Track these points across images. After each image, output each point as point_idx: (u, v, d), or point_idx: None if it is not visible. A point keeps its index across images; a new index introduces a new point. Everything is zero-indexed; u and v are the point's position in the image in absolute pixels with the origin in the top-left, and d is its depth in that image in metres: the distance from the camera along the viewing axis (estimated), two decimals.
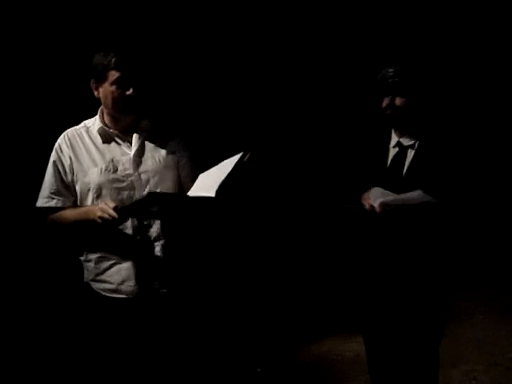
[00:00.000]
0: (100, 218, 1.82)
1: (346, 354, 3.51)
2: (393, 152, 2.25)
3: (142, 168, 1.98)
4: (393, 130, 2.29)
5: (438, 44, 5.18)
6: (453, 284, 2.32)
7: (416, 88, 2.19)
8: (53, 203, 1.99)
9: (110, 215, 1.79)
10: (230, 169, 1.81)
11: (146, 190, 1.95)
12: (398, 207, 2.09)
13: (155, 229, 1.97)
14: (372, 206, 2.11)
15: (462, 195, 2.19)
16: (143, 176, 1.98)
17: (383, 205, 2.09)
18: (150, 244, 1.97)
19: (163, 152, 2.02)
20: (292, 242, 4.69)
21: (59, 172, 1.99)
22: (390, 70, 2.19)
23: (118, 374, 2.02)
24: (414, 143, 2.22)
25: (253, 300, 3.97)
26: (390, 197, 2.11)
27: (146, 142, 2.03)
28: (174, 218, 1.98)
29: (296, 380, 3.23)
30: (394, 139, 2.26)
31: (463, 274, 4.66)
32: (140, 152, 2.00)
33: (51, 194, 1.99)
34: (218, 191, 1.77)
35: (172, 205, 1.87)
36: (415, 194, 2.10)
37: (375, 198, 2.12)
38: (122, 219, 1.87)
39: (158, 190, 1.97)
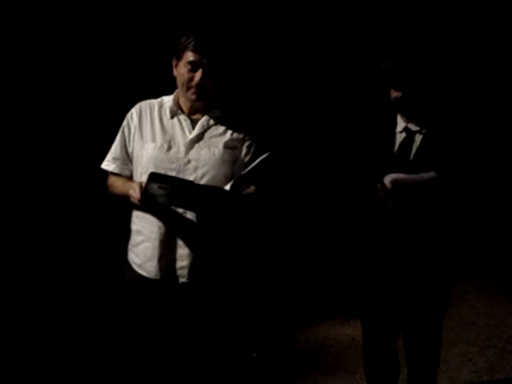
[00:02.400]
0: (131, 195, 1.87)
1: (341, 339, 3.51)
2: (400, 137, 2.25)
3: (193, 155, 1.95)
4: (399, 116, 2.28)
5: (442, 30, 5.20)
6: (455, 264, 2.33)
7: (422, 79, 2.17)
8: (111, 168, 2.05)
9: (136, 195, 1.83)
10: (252, 166, 1.81)
11: (192, 178, 1.91)
12: (409, 184, 2.10)
13: (190, 216, 1.94)
14: (382, 185, 2.11)
15: (470, 179, 2.20)
16: (192, 163, 1.94)
17: (394, 181, 2.10)
18: (182, 229, 1.95)
19: (221, 145, 1.98)
20: (290, 230, 4.71)
21: (124, 139, 2.04)
22: (396, 64, 2.16)
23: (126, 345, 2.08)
24: (422, 129, 2.22)
25: (248, 284, 3.97)
26: (401, 175, 2.12)
27: (209, 131, 1.99)
28: (193, 207, 1.94)
29: (291, 365, 3.24)
30: (401, 124, 2.25)
31: (457, 258, 4.69)
32: (198, 138, 1.97)
33: (113, 158, 2.05)
34: (233, 184, 1.79)
35: (176, 189, 1.81)
36: (427, 174, 2.11)
37: (386, 179, 2.13)
38: (147, 201, 1.85)
39: (202, 182, 1.92)
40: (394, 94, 2.18)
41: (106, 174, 2.10)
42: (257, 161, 1.82)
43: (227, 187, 1.80)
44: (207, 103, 2.00)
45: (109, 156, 2.07)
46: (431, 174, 2.10)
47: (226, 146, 1.99)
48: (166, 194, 1.82)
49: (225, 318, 2.06)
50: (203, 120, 2.00)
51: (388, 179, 2.10)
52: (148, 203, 1.86)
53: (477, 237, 5.15)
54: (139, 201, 1.84)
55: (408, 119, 2.23)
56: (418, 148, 2.20)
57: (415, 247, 2.21)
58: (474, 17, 5.41)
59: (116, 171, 2.05)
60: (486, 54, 5.61)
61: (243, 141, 2.02)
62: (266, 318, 3.73)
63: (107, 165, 2.07)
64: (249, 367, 3.13)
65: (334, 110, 4.95)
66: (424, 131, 2.21)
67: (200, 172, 1.93)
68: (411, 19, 5.19)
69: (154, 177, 1.74)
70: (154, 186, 1.77)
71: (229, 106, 2.07)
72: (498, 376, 3.08)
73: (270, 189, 2.09)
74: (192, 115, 2.01)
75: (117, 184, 2.04)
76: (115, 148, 2.06)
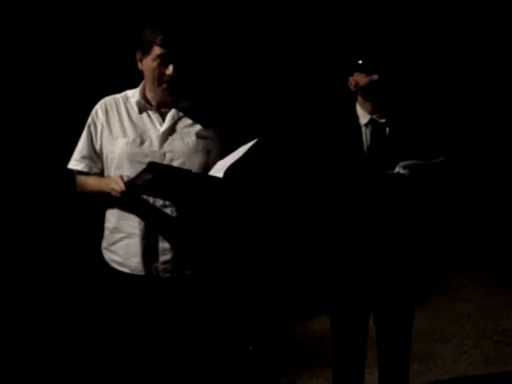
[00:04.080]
0: (112, 189, 1.84)
1: None
2: (366, 130, 2.17)
3: (167, 147, 1.95)
4: (359, 107, 2.20)
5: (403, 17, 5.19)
6: (430, 254, 2.29)
7: (391, 64, 2.13)
8: (80, 167, 2.01)
9: (119, 187, 1.81)
10: (242, 153, 1.80)
11: None
12: (423, 166, 2.04)
13: (169, 210, 1.94)
14: (399, 174, 2.03)
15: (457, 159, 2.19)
16: (168, 155, 1.94)
17: (407, 166, 2.02)
18: (162, 224, 1.95)
19: (194, 136, 1.98)
20: (289, 221, 4.70)
21: (91, 136, 2.00)
22: (365, 46, 2.12)
23: (112, 347, 2.06)
24: (388, 119, 2.16)
25: (245, 276, 3.98)
26: (411, 161, 2.05)
27: (180, 123, 1.99)
28: (184, 197, 1.94)
29: (288, 357, 3.25)
30: (365, 117, 2.17)
31: (454, 251, 4.72)
32: (170, 131, 1.97)
33: (81, 157, 2.01)
34: (226, 173, 1.77)
35: (173, 178, 1.82)
36: (436, 159, 2.05)
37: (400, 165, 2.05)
38: (131, 193, 1.84)
39: None
40: (365, 79, 2.11)
41: (71, 173, 2.06)
42: (246, 148, 1.82)
43: (220, 175, 1.79)
44: (176, 95, 1.99)
45: (76, 155, 2.03)
46: (440, 159, 2.04)
47: (199, 135, 1.99)
48: (152, 184, 1.81)
49: (214, 311, 2.06)
50: (173, 112, 1.99)
51: (403, 165, 2.02)
52: (131, 195, 1.86)
53: (476, 229, 5.17)
54: (122, 193, 1.82)
55: (373, 110, 2.16)
56: (390, 141, 2.14)
57: (394, 237, 2.16)
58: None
59: (85, 170, 2.01)
60: (455, 42, 5.62)
61: (214, 130, 2.03)
62: (262, 310, 3.74)
63: (75, 164, 2.02)
64: (245, 360, 3.14)
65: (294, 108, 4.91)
66: (391, 122, 2.14)
67: (176, 163, 1.93)
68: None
69: (152, 167, 1.73)
70: (147, 177, 1.76)
71: (196, 96, 2.07)
72: (494, 368, 3.10)
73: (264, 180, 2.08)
74: (160, 108, 2.00)
75: (90, 182, 2.01)
76: (82, 147, 2.02)
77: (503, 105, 5.96)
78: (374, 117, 2.17)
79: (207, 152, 2.00)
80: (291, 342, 3.43)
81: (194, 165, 1.95)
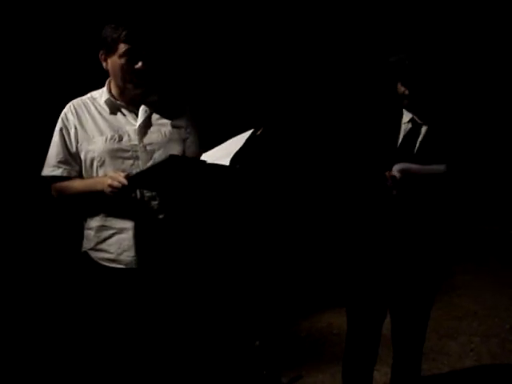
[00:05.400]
0: (110, 185, 1.82)
1: (345, 327, 3.47)
2: (405, 128, 2.21)
3: (147, 140, 1.99)
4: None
5: (446, 23, 5.15)
6: (450, 255, 2.33)
7: (430, 77, 2.13)
8: (59, 172, 1.99)
9: (120, 182, 1.80)
10: (243, 142, 1.82)
11: (151, 162, 1.95)
12: (419, 175, 2.07)
13: (158, 201, 1.97)
14: (391, 174, 2.07)
15: (476, 172, 2.19)
16: (148, 147, 1.98)
17: (404, 171, 2.06)
18: (152, 216, 1.97)
19: (169, 126, 2.03)
20: (296, 215, 4.70)
21: (65, 140, 1.99)
22: (404, 59, 2.12)
23: (113, 344, 2.05)
24: (427, 121, 2.18)
25: (251, 271, 3.98)
26: (412, 165, 2.09)
27: (153, 115, 2.03)
28: (181, 188, 1.97)
29: (295, 353, 3.25)
30: (408, 115, 2.21)
31: (460, 248, 4.70)
32: (146, 124, 2.00)
33: (58, 162, 1.99)
34: (232, 161, 1.79)
35: (190, 170, 1.85)
36: (438, 167, 2.07)
37: (395, 168, 2.09)
38: (132, 188, 1.86)
39: None
40: (401, 89, 2.15)
41: (45, 180, 2.03)
42: (243, 137, 1.85)
43: (226, 163, 1.81)
44: (144, 89, 2.01)
45: (52, 161, 1.99)
46: (442, 167, 2.07)
47: (174, 125, 2.04)
48: (162, 177, 1.83)
49: (211, 301, 2.07)
50: (144, 106, 2.01)
51: (397, 168, 2.07)
52: (129, 191, 1.88)
53: (482, 226, 5.15)
54: (121, 189, 1.81)
55: (413, 114, 2.20)
56: (423, 140, 2.17)
57: (412, 236, 2.20)
58: (480, 14, 5.39)
59: (65, 174, 1.99)
60: (490, 51, 5.59)
61: (187, 119, 2.08)
62: (269, 306, 3.74)
63: (52, 170, 1.99)
64: (252, 356, 3.14)
65: (335, 100, 4.91)
66: (428, 124, 2.17)
67: (157, 154, 1.97)
68: (416, 14, 5.16)
69: (173, 159, 1.76)
70: (161, 171, 1.78)
71: (163, 88, 2.10)
72: (501, 366, 3.09)
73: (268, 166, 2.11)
74: (129, 104, 2.01)
75: (74, 185, 1.99)
76: (57, 152, 1.99)
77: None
78: (415, 117, 2.19)
79: (183, 141, 2.05)
80: (297, 338, 3.43)
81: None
